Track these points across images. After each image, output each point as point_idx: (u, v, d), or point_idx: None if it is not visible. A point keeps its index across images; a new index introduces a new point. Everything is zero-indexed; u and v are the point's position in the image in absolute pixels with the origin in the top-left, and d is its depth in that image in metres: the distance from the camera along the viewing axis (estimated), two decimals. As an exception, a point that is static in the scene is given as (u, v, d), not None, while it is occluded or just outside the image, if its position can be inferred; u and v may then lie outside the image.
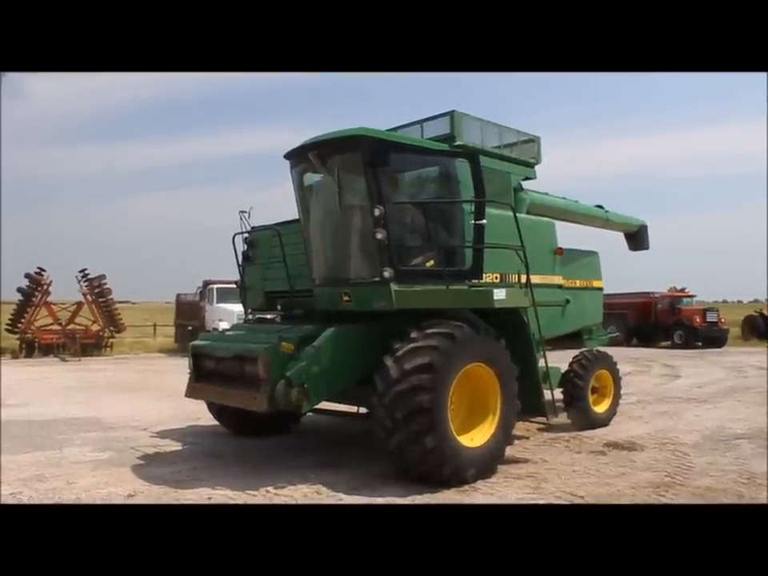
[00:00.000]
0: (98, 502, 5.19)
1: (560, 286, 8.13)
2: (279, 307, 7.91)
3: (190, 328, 22.04)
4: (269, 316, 8.30)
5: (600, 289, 9.24)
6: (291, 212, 7.28)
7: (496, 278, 6.97)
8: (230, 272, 13.73)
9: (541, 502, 5.15)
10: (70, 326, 22.25)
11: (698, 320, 25.52)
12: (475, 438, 5.92)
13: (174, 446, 7.48)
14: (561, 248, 8.09)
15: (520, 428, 7.59)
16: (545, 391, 6.77)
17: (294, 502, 5.19)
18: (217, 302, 20.76)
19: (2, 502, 5.11)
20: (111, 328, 22.90)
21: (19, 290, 21.78)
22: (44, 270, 22.12)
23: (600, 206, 10.01)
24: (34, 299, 21.87)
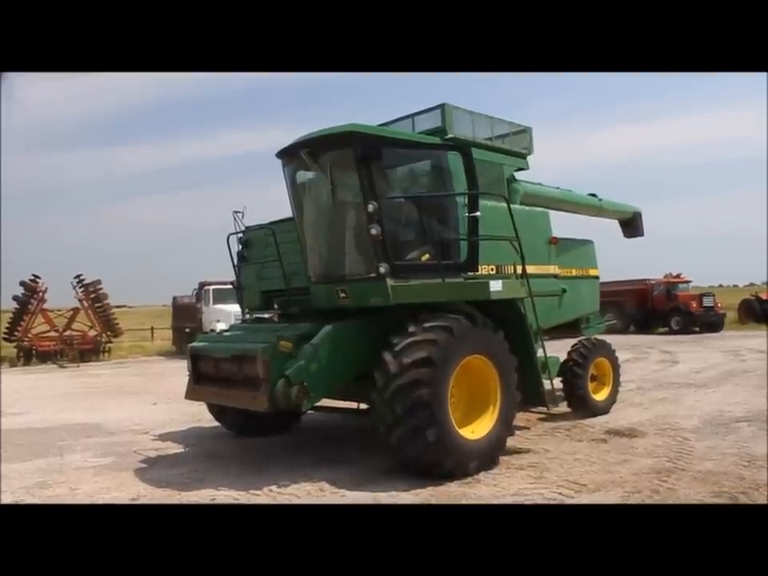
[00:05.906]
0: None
1: (556, 276, 8.13)
2: (276, 306, 7.90)
3: (187, 330, 22.05)
4: (266, 315, 8.29)
5: (596, 277, 9.25)
6: (288, 210, 7.26)
7: (492, 269, 6.97)
8: (225, 273, 13.70)
9: (544, 491, 5.16)
10: (67, 333, 22.22)
11: (694, 305, 25.59)
12: (476, 431, 5.93)
13: (176, 448, 7.48)
14: (556, 237, 8.10)
15: (521, 418, 7.60)
16: (544, 381, 6.79)
17: (297, 500, 5.19)
18: (213, 304, 20.73)
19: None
20: (108, 333, 22.85)
21: (14, 297, 21.71)
22: (39, 277, 22.06)
23: (593, 195, 10.02)
24: (29, 307, 21.81)
